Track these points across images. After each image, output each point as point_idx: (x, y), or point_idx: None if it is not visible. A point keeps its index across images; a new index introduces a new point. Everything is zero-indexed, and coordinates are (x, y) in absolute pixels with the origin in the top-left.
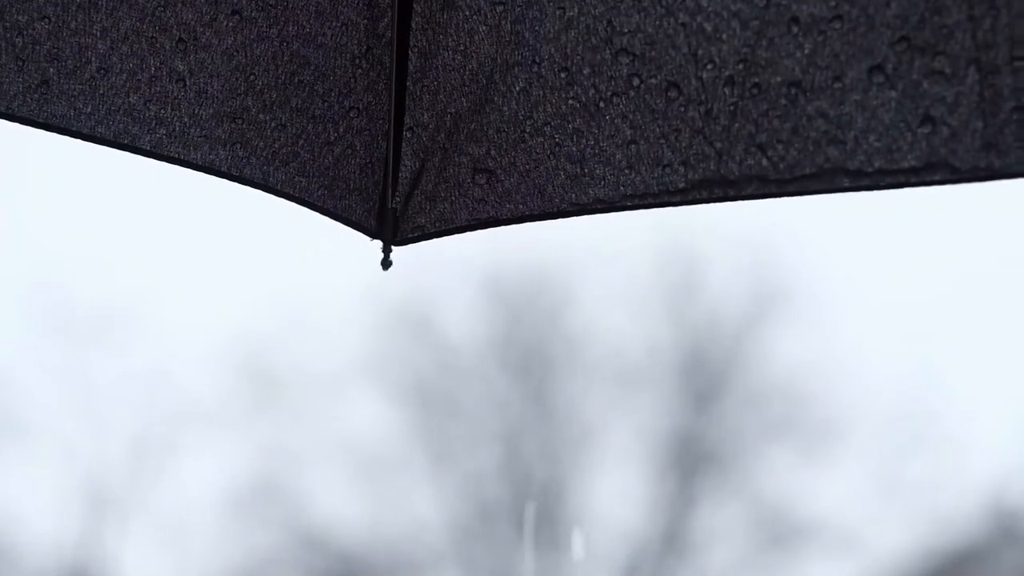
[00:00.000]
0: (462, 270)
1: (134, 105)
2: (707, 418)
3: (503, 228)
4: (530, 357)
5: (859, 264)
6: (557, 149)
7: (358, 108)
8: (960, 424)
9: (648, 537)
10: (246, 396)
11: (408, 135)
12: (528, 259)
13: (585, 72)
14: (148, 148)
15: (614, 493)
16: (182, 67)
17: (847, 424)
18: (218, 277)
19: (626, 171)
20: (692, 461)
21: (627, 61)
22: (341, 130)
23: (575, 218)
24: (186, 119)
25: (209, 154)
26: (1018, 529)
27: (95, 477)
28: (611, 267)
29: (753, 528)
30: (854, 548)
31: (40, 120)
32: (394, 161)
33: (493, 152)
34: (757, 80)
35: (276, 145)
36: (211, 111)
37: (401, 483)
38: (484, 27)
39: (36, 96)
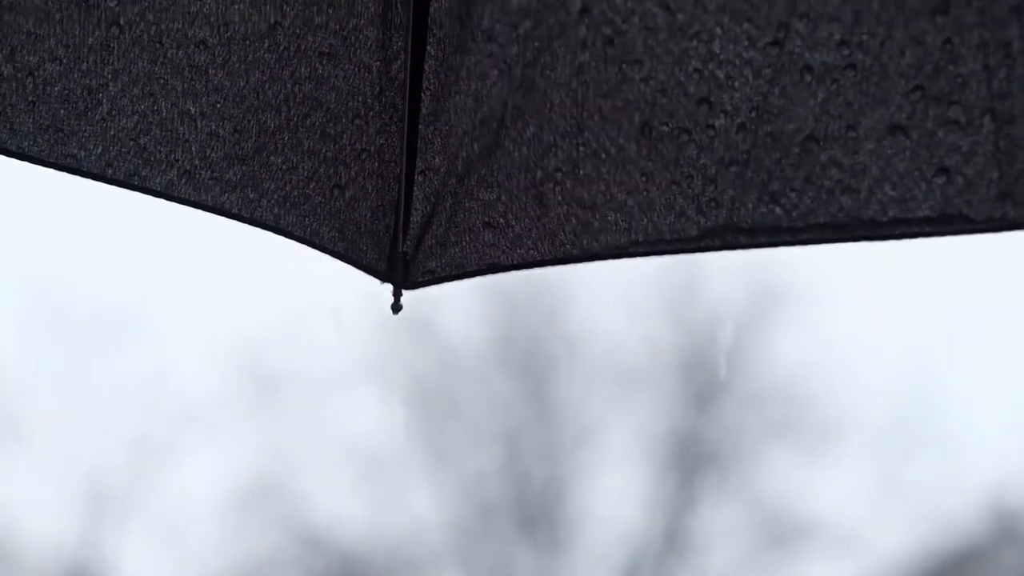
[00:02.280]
0: None
1: (145, 147)
2: (707, 418)
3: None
4: (530, 357)
5: (859, 264)
6: (568, 195)
7: (370, 151)
8: (960, 424)
9: (648, 537)
10: (246, 396)
11: (420, 179)
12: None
13: (596, 118)
14: (159, 190)
15: (614, 493)
16: (193, 109)
17: (847, 424)
18: (218, 277)
19: (638, 218)
20: (692, 461)
21: (639, 108)
22: (353, 173)
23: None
24: (197, 161)
25: (220, 196)
26: (1018, 529)
27: (95, 477)
28: (611, 267)
29: (753, 528)
30: (854, 548)
31: (51, 160)
32: (405, 205)
33: (504, 197)
34: (770, 128)
35: (287, 188)
36: (222, 153)
37: (401, 483)
38: (496, 71)
39: (47, 137)
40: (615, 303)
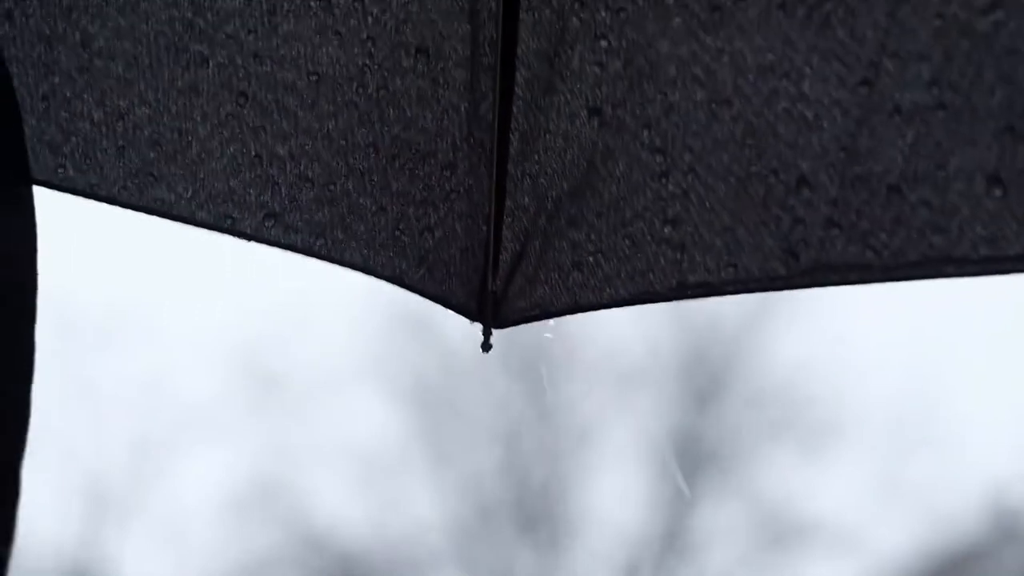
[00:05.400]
0: None
1: (234, 189)
2: (707, 418)
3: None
4: (530, 357)
5: None
6: (656, 235)
7: (459, 192)
8: (960, 424)
9: (648, 537)
10: (246, 397)
11: (508, 219)
12: None
13: (686, 158)
14: (249, 232)
15: (614, 493)
16: (282, 151)
17: (847, 424)
18: (218, 278)
19: (726, 258)
20: (692, 461)
21: (728, 148)
22: (442, 214)
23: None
24: (287, 203)
25: (309, 238)
26: (1018, 529)
27: (96, 478)
28: None
29: (753, 528)
30: (854, 548)
31: (141, 205)
32: (495, 244)
33: (593, 236)
34: (859, 169)
35: (376, 229)
36: (311, 195)
37: (401, 483)
38: (585, 111)
39: (137, 181)
40: None
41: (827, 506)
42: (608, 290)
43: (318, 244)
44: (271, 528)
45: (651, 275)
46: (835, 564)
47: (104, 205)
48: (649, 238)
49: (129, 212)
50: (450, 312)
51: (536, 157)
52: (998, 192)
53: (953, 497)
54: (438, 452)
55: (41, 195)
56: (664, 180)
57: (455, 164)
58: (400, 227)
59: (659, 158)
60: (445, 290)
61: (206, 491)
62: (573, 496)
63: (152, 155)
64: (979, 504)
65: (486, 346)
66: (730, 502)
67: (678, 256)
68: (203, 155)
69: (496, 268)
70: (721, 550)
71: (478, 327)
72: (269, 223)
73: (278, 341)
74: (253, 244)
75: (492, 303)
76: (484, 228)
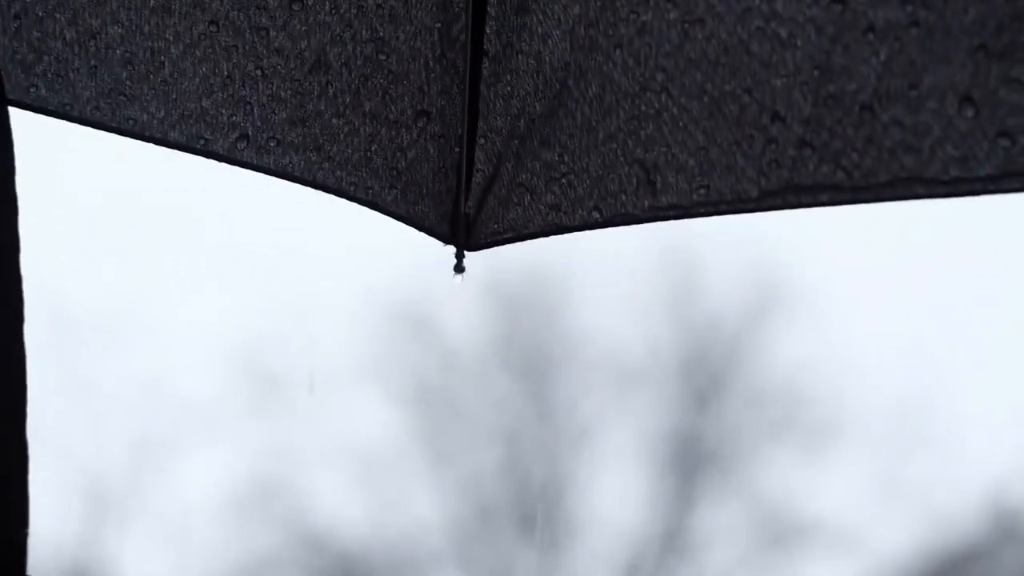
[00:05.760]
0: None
1: (207, 109)
2: (707, 418)
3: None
4: (530, 357)
5: (859, 264)
6: (630, 156)
7: (431, 113)
8: (960, 424)
9: (648, 537)
10: (246, 396)
11: (482, 140)
12: (528, 259)
13: (659, 78)
14: (222, 153)
15: (614, 493)
16: (255, 71)
17: (847, 424)
18: (218, 278)
19: (698, 178)
20: (692, 461)
21: (701, 67)
22: (414, 135)
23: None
24: (259, 123)
25: (282, 158)
26: (1018, 529)
27: (95, 477)
28: (611, 267)
29: (753, 528)
30: (854, 548)
31: (114, 125)
32: (467, 166)
33: (566, 158)
34: (832, 88)
35: (349, 150)
36: (284, 116)
37: (401, 483)
38: (558, 31)
39: (110, 101)
40: (615, 302)
41: (827, 506)
42: (581, 212)
43: (291, 165)
44: (271, 528)
45: (623, 196)
46: (835, 564)
47: (105, 203)
48: (622, 159)
49: (127, 212)
50: (450, 312)
51: (509, 78)
52: (970, 112)
53: (953, 497)
54: (438, 452)
55: (40, 190)
56: (637, 100)
57: (428, 85)
58: (373, 148)
59: (632, 79)
60: (418, 212)
61: (206, 491)
62: (573, 496)
63: (124, 75)
64: (979, 504)
65: (459, 268)
66: (730, 502)
67: (651, 177)
68: (175, 75)
69: (469, 190)
70: (721, 550)
71: (451, 250)
72: (242, 144)
73: (278, 341)
74: (226, 166)
75: (465, 225)
76: (456, 150)
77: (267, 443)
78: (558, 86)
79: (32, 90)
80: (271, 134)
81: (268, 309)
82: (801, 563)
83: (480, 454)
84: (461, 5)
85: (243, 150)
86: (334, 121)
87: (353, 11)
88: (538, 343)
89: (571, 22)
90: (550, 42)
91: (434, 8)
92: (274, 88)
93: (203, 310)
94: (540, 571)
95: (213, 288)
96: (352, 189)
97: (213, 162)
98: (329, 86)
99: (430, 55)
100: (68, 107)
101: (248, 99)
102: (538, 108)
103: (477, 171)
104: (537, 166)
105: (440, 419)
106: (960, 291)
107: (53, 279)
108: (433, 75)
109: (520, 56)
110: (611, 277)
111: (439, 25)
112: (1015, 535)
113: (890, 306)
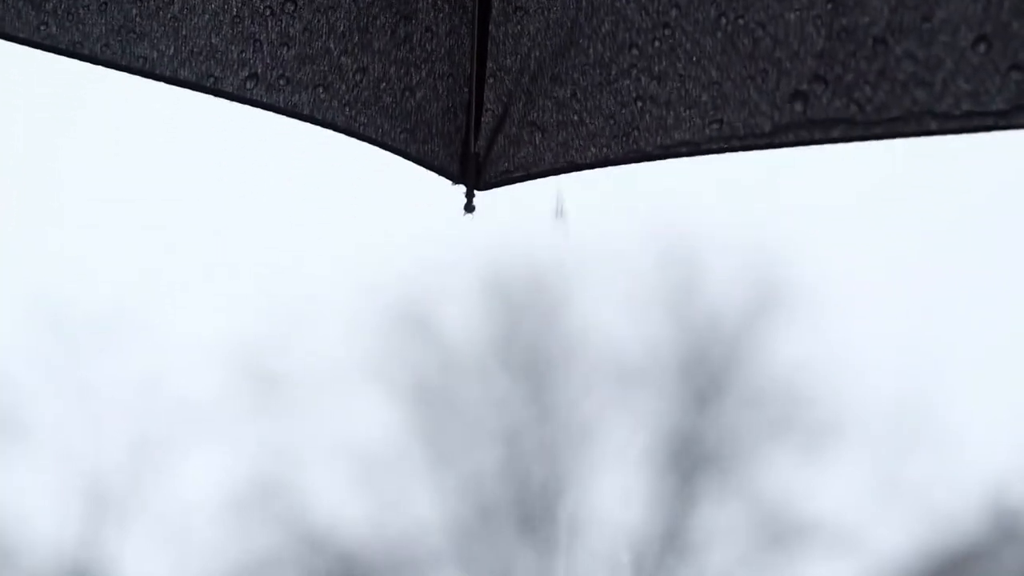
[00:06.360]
0: (462, 269)
1: (216, 47)
2: (707, 418)
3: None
4: (530, 357)
5: (859, 264)
6: (642, 92)
7: (440, 52)
8: (960, 424)
9: (648, 537)
10: (246, 396)
11: (491, 80)
12: (528, 259)
13: (672, 14)
14: (231, 91)
15: (614, 493)
16: (263, 8)
17: (847, 424)
18: (217, 278)
19: (711, 113)
20: (692, 461)
21: (714, 2)
22: (424, 74)
23: (660, 161)
24: (268, 60)
25: (291, 96)
26: (1018, 529)
27: (95, 477)
28: (611, 267)
29: (753, 528)
30: (854, 548)
31: (123, 63)
32: (477, 106)
33: (578, 95)
34: (845, 21)
35: (358, 89)
36: (293, 53)
37: (401, 483)
38: None
39: (119, 39)
40: (615, 302)
41: (827, 506)
42: (592, 149)
43: (300, 103)
44: (271, 528)
45: (636, 133)
46: (835, 564)
47: (102, 204)
48: (635, 95)
49: (127, 212)
50: (450, 313)
51: (518, 17)
52: (982, 46)
53: (953, 497)
54: (438, 452)
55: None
56: (650, 36)
57: (436, 25)
58: (382, 87)
59: (645, 15)
60: (427, 151)
61: (206, 491)
62: (573, 496)
63: (134, 11)
64: (979, 504)
65: (469, 207)
66: (730, 502)
67: (663, 113)
68: (185, 11)
69: (479, 129)
70: (721, 550)
71: (461, 188)
72: (251, 83)
73: (278, 341)
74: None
75: (475, 164)
76: (466, 89)
77: (267, 443)
78: (569, 24)
79: (43, 27)
80: (280, 71)
81: (267, 309)
82: (801, 563)
83: (480, 454)
84: None
85: (252, 88)
86: (343, 59)
87: None
88: (538, 343)
89: None
90: None
91: None
92: (283, 26)
93: (203, 310)
94: (540, 571)
95: (213, 288)
96: (361, 128)
97: (212, 163)
98: (337, 24)
99: None
100: (78, 45)
101: (257, 36)
102: (549, 46)
103: (487, 110)
104: (548, 104)
105: (440, 419)
106: (960, 291)
107: (54, 280)
108: (441, 14)
109: None
110: (611, 277)
111: None
112: (1015, 535)
113: (890, 306)
